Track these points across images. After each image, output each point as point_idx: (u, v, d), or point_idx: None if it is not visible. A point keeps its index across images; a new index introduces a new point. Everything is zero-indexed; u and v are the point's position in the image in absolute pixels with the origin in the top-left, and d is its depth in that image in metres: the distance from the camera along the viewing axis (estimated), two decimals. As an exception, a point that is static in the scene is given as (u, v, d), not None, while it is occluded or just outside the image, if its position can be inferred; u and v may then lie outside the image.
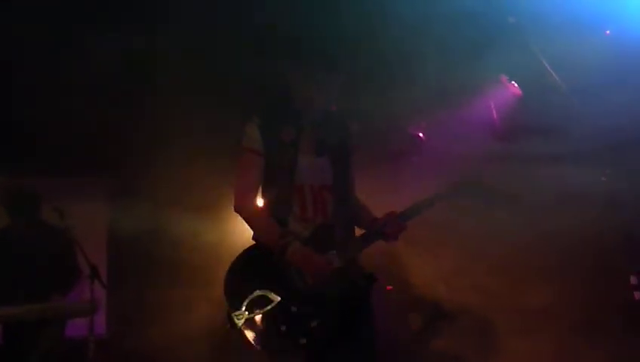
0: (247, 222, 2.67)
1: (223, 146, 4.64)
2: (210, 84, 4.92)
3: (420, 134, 5.49)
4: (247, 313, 2.46)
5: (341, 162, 2.70)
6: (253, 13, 4.53)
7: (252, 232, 2.70)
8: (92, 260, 4.10)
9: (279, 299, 2.49)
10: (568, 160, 4.05)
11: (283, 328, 2.46)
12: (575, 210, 4.09)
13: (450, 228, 4.34)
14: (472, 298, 4.65)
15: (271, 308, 2.48)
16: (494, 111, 4.85)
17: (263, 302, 2.49)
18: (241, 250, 2.66)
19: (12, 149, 5.26)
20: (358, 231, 2.78)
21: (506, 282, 4.41)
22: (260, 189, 2.70)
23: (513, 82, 4.77)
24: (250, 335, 2.47)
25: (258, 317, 2.48)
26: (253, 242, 2.68)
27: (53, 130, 5.02)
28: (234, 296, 2.50)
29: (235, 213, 2.71)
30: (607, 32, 4.29)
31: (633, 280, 3.52)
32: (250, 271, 2.57)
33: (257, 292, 2.49)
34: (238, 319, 2.46)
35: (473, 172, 2.82)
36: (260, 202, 2.74)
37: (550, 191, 4.16)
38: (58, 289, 4.31)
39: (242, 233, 2.99)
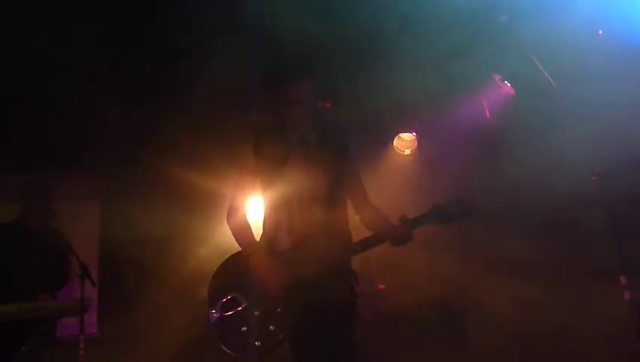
0: (232, 234, 2.87)
1: (219, 148, 4.65)
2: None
3: (413, 133, 5.51)
4: (219, 312, 2.70)
5: (336, 174, 2.76)
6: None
7: None
8: (83, 259, 4.10)
9: (246, 303, 2.69)
10: (559, 159, 4.04)
11: (244, 329, 2.65)
12: (565, 211, 4.10)
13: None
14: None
15: (239, 310, 2.68)
16: (487, 111, 4.86)
17: (236, 303, 2.71)
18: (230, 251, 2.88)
19: (7, 148, 5.24)
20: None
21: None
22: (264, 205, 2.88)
23: (506, 82, 4.76)
24: (219, 333, 2.70)
25: (227, 317, 2.69)
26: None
27: (48, 129, 5.02)
28: (213, 296, 2.75)
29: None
30: (600, 31, 4.29)
31: (623, 280, 3.51)
32: (230, 274, 2.78)
33: (231, 295, 2.71)
34: (211, 317, 2.70)
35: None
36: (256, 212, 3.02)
37: (540, 190, 4.17)
38: (48, 289, 4.27)
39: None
